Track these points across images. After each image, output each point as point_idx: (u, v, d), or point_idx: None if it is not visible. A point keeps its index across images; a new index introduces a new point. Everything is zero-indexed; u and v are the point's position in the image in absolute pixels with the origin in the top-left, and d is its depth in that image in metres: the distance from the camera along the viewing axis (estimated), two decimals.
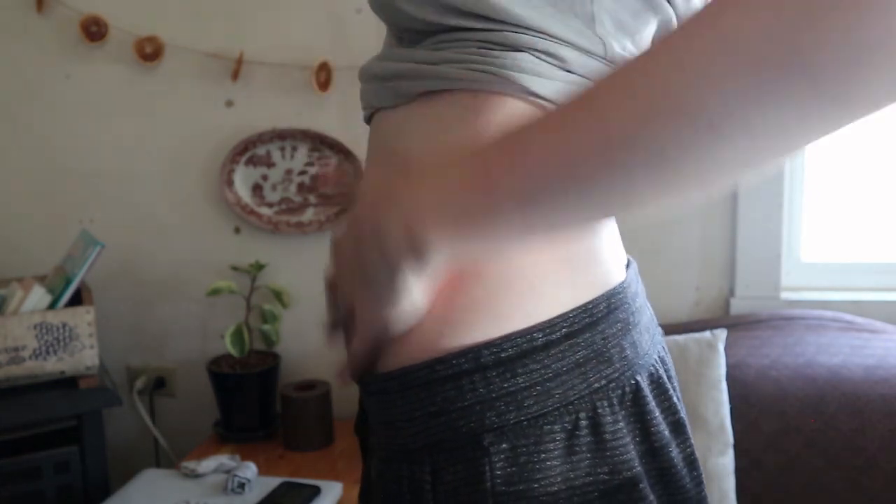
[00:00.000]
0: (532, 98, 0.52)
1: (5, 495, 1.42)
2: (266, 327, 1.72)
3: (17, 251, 1.81)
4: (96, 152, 1.79)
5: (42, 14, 1.73)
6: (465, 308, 0.52)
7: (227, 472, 1.46)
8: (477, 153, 0.47)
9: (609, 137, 0.41)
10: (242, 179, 1.75)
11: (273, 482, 1.42)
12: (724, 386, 1.43)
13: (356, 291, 0.52)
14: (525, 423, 0.50)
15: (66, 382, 1.48)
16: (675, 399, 0.57)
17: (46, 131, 1.79)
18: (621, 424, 0.52)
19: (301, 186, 1.74)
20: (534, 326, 0.51)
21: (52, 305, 1.49)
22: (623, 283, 0.56)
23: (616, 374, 0.53)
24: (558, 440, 0.50)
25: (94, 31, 1.70)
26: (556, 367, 0.51)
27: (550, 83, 0.52)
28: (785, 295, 1.66)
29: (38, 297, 1.48)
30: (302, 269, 1.78)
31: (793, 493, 1.40)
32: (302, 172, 1.74)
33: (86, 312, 1.48)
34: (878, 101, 0.37)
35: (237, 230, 1.79)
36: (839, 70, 0.35)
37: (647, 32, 0.56)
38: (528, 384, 0.50)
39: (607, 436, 0.51)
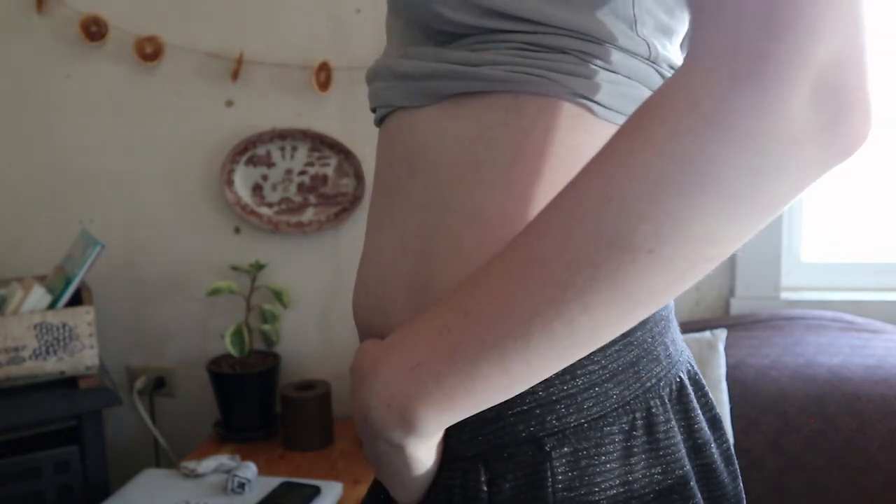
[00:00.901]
0: (577, 100, 0.51)
1: (5, 495, 1.42)
2: (266, 327, 1.72)
3: (17, 251, 1.81)
4: (96, 152, 1.79)
5: (42, 14, 1.73)
6: None
7: (227, 472, 1.46)
8: (433, 313, 0.47)
9: (553, 282, 0.42)
10: (242, 179, 1.75)
11: (273, 482, 1.42)
12: (724, 386, 1.43)
13: (380, 474, 0.54)
14: (586, 425, 0.50)
15: (66, 382, 1.48)
16: (710, 395, 0.58)
17: (46, 131, 1.79)
18: (672, 423, 0.52)
19: (301, 186, 1.74)
20: None
21: (52, 305, 1.49)
22: None
23: (664, 373, 0.53)
24: (617, 441, 0.50)
25: (93, 31, 1.70)
26: (613, 367, 0.51)
27: (596, 84, 0.51)
28: (785, 295, 1.66)
29: (38, 297, 1.48)
30: (302, 269, 1.78)
31: (793, 493, 1.40)
32: (302, 172, 1.74)
33: (86, 312, 1.47)
34: (787, 196, 0.40)
35: (237, 230, 1.79)
36: (741, 185, 0.39)
37: (683, 31, 0.56)
38: (587, 385, 0.50)
39: (660, 435, 0.51)
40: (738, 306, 1.66)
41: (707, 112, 0.39)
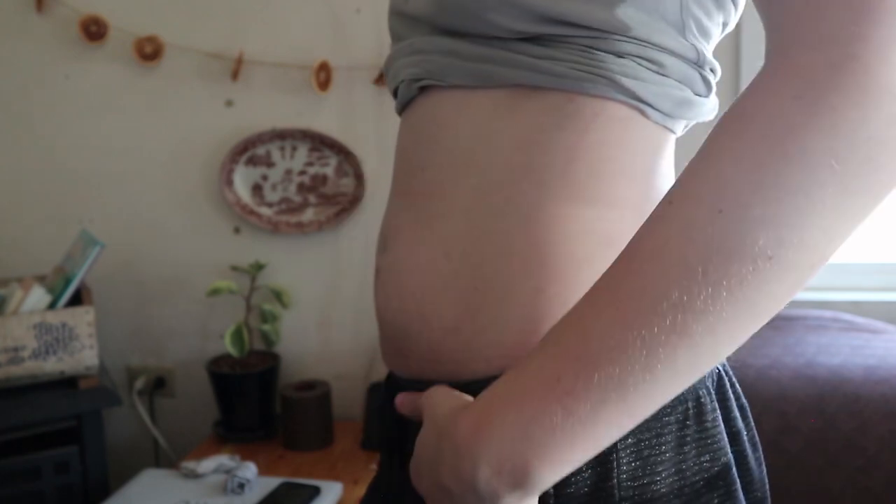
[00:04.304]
0: (632, 102, 0.52)
1: (5, 495, 1.41)
2: (266, 327, 1.72)
3: (17, 251, 1.81)
4: (96, 152, 1.79)
5: (42, 14, 1.73)
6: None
7: (227, 472, 1.46)
8: (536, 363, 0.43)
9: (672, 311, 0.39)
10: (242, 179, 1.75)
11: (273, 482, 1.42)
12: None
13: None
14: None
15: (66, 382, 1.48)
16: (737, 385, 0.59)
17: (46, 131, 1.79)
18: (717, 412, 0.53)
19: (301, 186, 1.74)
20: None
21: (51, 305, 1.49)
22: None
23: None
24: (673, 431, 0.51)
25: (93, 30, 1.70)
26: None
27: (652, 87, 0.52)
28: None
29: (38, 297, 1.48)
30: (302, 269, 1.78)
31: (793, 493, 1.40)
32: (302, 172, 1.74)
33: (85, 312, 1.47)
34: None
35: (237, 230, 1.79)
36: (855, 173, 0.38)
37: (717, 35, 0.57)
38: None
39: (708, 424, 0.52)
40: None
41: (812, 102, 0.37)
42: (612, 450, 0.50)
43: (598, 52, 0.52)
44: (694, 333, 0.39)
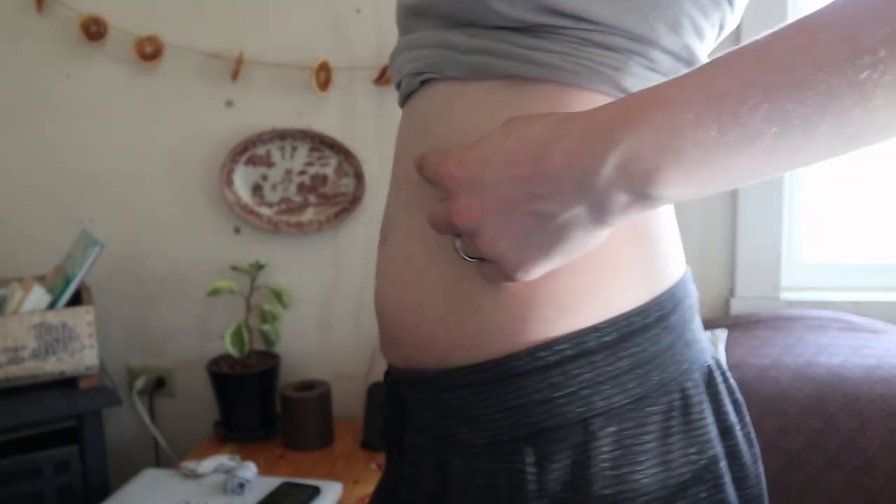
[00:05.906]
0: (621, 96, 0.52)
1: (5, 495, 1.42)
2: (266, 327, 1.72)
3: (17, 251, 1.81)
4: (96, 152, 1.79)
5: (42, 14, 1.73)
6: (572, 294, 0.52)
7: (227, 472, 1.46)
8: (704, 79, 0.41)
9: (868, 63, 0.37)
10: (242, 179, 1.75)
11: (273, 482, 1.42)
12: None
13: (507, 235, 0.47)
14: (630, 405, 0.51)
15: (66, 382, 1.48)
16: (731, 380, 0.59)
17: (46, 131, 1.79)
18: (705, 405, 0.54)
19: (301, 186, 1.74)
20: (632, 311, 0.52)
21: (51, 305, 1.49)
22: (687, 269, 0.58)
23: (695, 356, 0.55)
24: (657, 422, 0.51)
25: (93, 30, 1.70)
26: (653, 350, 0.52)
27: (640, 82, 0.53)
28: (785, 295, 1.66)
29: (38, 297, 1.48)
30: (302, 269, 1.78)
31: (793, 493, 1.40)
32: (302, 172, 1.74)
33: (86, 312, 1.48)
34: None
35: (237, 230, 1.79)
36: None
37: (711, 35, 0.57)
38: (630, 367, 0.51)
39: (695, 416, 0.53)
40: (738, 306, 1.66)
41: None
42: (592, 438, 0.50)
43: (592, 46, 0.52)
44: (874, 98, 0.38)
